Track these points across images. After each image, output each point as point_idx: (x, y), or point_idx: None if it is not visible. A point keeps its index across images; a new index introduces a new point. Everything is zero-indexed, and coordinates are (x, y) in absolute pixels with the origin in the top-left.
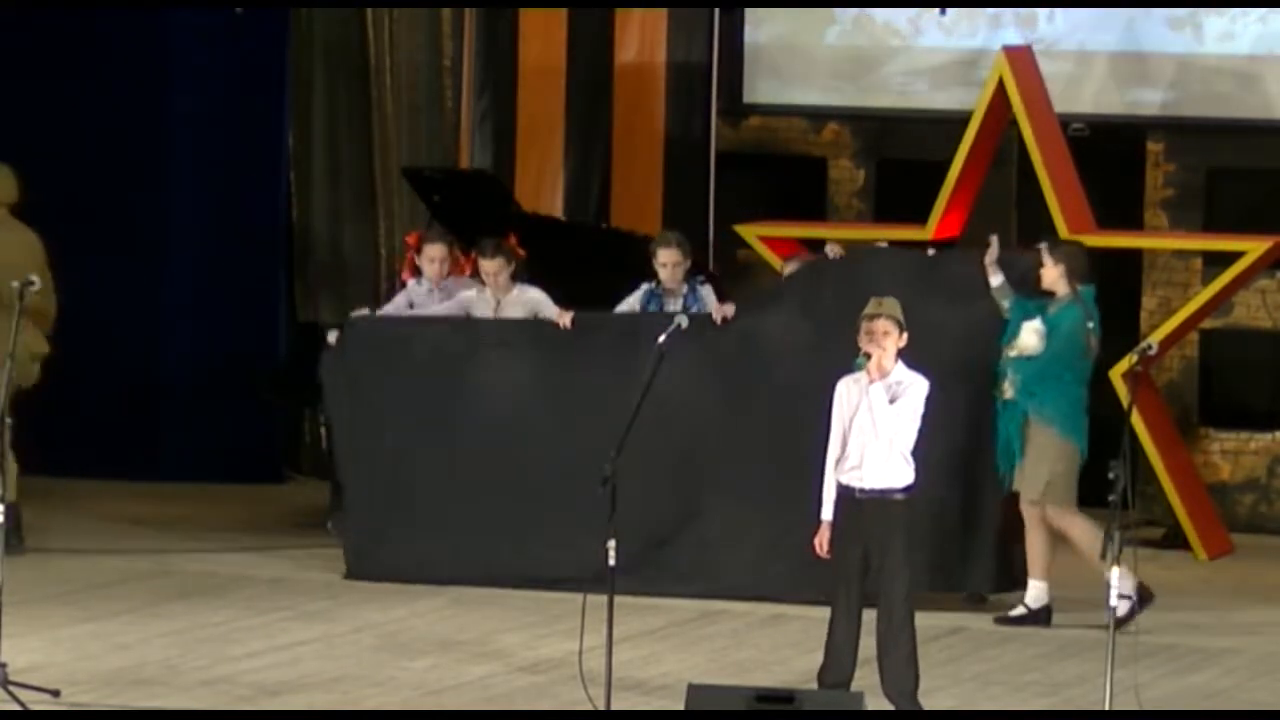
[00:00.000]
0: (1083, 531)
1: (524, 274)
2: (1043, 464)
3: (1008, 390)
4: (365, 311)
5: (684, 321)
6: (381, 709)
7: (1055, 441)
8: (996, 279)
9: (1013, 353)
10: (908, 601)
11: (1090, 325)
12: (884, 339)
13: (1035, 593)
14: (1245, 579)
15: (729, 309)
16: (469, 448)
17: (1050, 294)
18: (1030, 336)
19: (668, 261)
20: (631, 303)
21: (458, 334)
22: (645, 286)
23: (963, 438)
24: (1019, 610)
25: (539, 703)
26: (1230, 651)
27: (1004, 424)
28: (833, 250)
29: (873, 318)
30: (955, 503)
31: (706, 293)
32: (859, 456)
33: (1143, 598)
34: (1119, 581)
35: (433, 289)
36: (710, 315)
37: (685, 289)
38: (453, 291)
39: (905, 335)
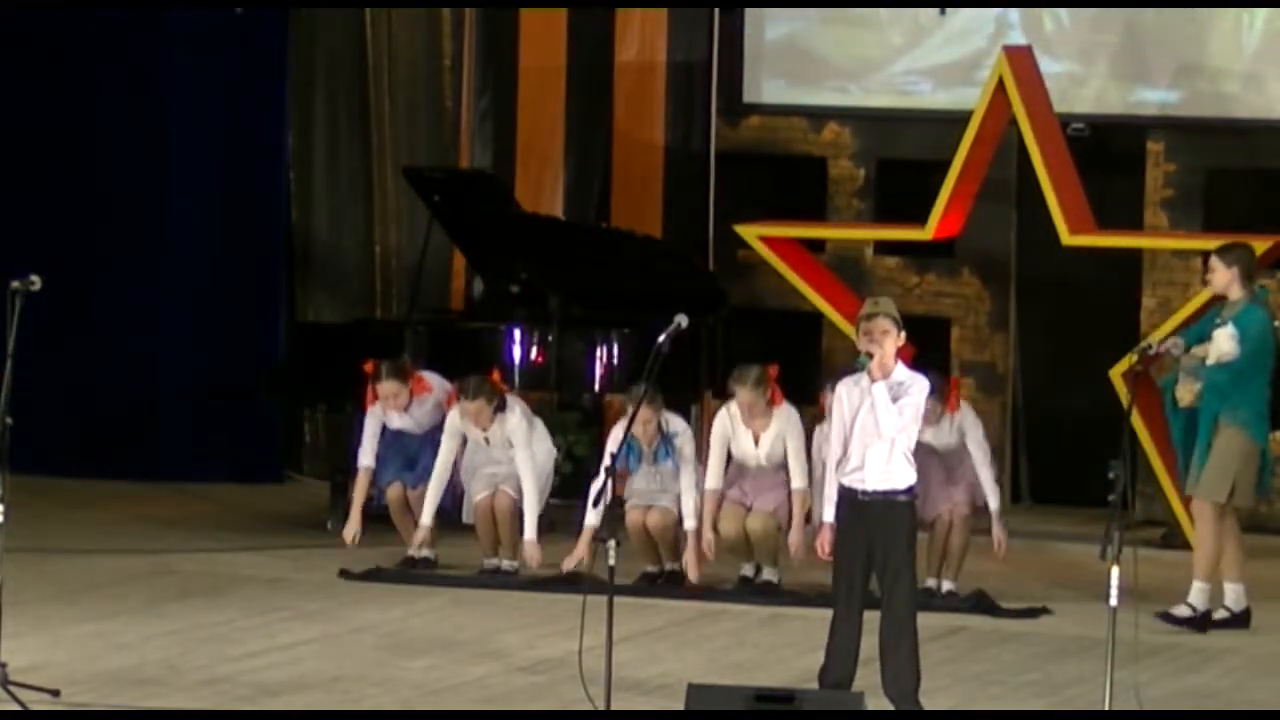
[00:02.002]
0: (1233, 549)
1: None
2: (1228, 466)
3: (1186, 397)
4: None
5: (684, 321)
6: (381, 709)
7: (1244, 443)
8: None
9: (1210, 360)
10: (910, 602)
11: (1276, 323)
12: (883, 338)
13: (1234, 595)
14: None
15: (703, 561)
16: None
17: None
18: (1227, 342)
19: (639, 418)
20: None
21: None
22: (618, 437)
23: None
24: (1221, 614)
25: (539, 703)
26: (1230, 651)
27: (1183, 429)
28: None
29: (871, 317)
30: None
31: (682, 443)
32: (860, 458)
33: (1243, 618)
34: (1233, 598)
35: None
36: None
37: (658, 441)
38: (419, 418)
39: (903, 334)
